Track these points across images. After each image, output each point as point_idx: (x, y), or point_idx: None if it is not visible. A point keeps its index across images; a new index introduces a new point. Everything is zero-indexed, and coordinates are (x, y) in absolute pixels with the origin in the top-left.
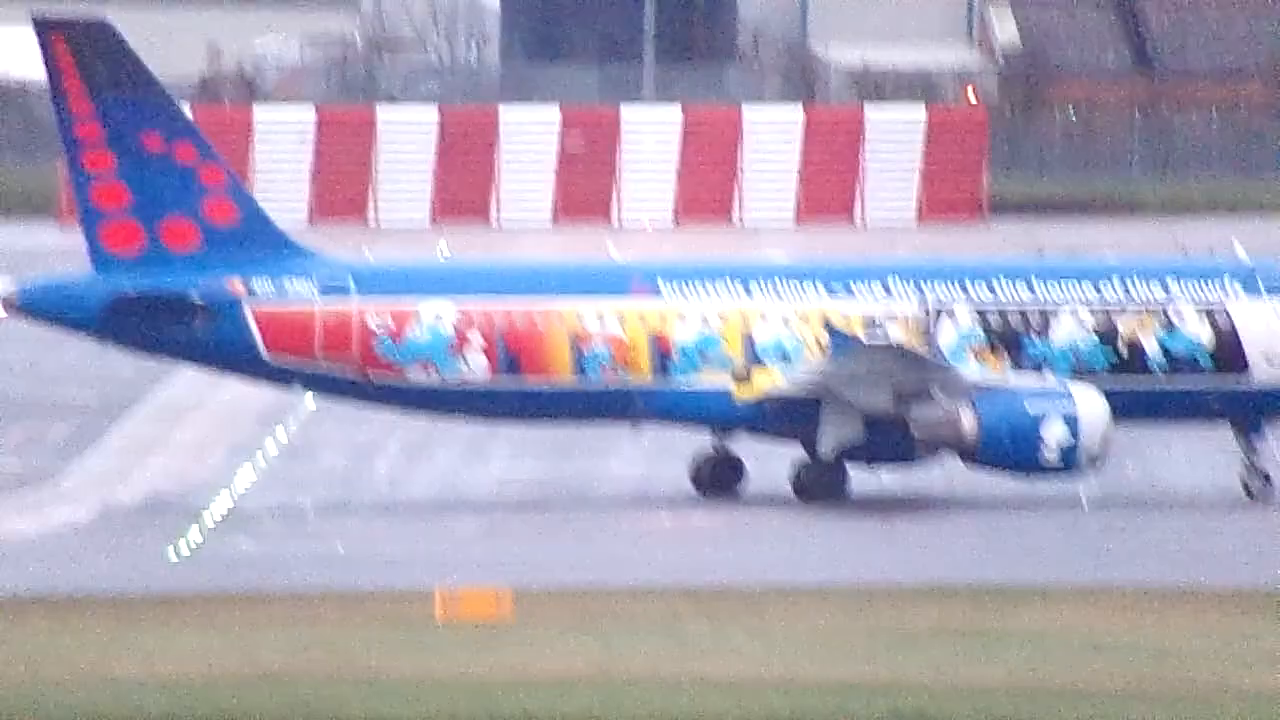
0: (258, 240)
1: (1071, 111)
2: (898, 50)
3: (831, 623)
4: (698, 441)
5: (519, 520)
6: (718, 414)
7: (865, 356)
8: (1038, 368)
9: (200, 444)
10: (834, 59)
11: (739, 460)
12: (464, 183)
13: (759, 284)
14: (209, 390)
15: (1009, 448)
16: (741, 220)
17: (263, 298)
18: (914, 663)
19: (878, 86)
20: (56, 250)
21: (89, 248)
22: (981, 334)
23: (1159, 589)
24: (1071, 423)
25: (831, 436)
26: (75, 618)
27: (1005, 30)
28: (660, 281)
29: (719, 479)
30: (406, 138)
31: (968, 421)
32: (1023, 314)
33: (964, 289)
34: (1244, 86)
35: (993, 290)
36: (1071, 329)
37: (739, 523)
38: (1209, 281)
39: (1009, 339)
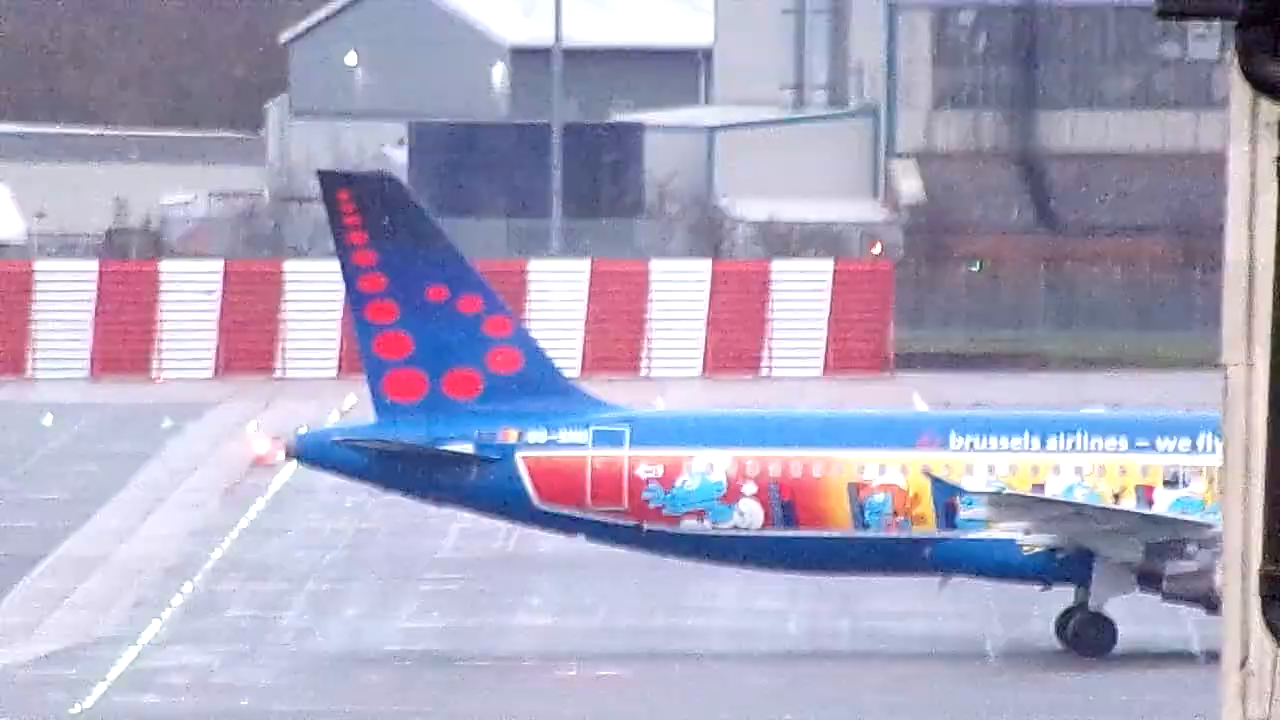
0: (539, 388)
1: (978, 265)
2: (804, 205)
3: None
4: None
5: (429, 672)
6: (1004, 565)
7: (985, 504)
8: None
9: (106, 597)
10: (741, 213)
11: (1104, 615)
12: None
13: (1056, 436)
14: (115, 543)
15: None
16: (649, 372)
17: (535, 446)
18: None
19: (784, 240)
20: None
21: (372, 396)
22: None
23: None
24: None
25: (1098, 587)
26: None
27: (910, 186)
28: (951, 433)
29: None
30: (313, 291)
31: (1219, 576)
32: None
33: None
34: (1146, 243)
35: None
36: None
37: (650, 673)
38: None
39: None
